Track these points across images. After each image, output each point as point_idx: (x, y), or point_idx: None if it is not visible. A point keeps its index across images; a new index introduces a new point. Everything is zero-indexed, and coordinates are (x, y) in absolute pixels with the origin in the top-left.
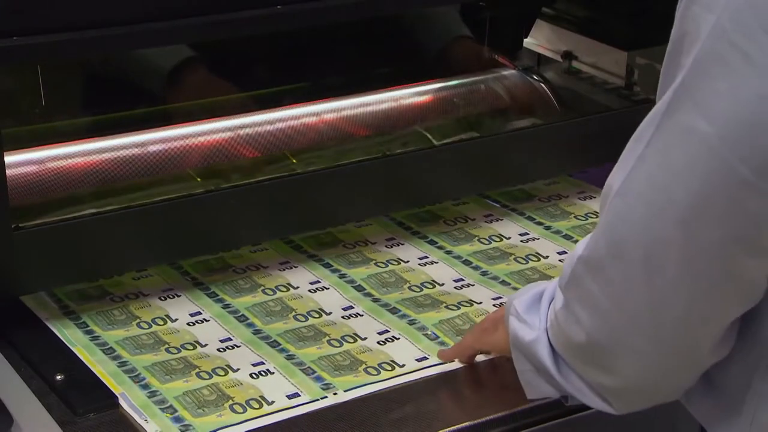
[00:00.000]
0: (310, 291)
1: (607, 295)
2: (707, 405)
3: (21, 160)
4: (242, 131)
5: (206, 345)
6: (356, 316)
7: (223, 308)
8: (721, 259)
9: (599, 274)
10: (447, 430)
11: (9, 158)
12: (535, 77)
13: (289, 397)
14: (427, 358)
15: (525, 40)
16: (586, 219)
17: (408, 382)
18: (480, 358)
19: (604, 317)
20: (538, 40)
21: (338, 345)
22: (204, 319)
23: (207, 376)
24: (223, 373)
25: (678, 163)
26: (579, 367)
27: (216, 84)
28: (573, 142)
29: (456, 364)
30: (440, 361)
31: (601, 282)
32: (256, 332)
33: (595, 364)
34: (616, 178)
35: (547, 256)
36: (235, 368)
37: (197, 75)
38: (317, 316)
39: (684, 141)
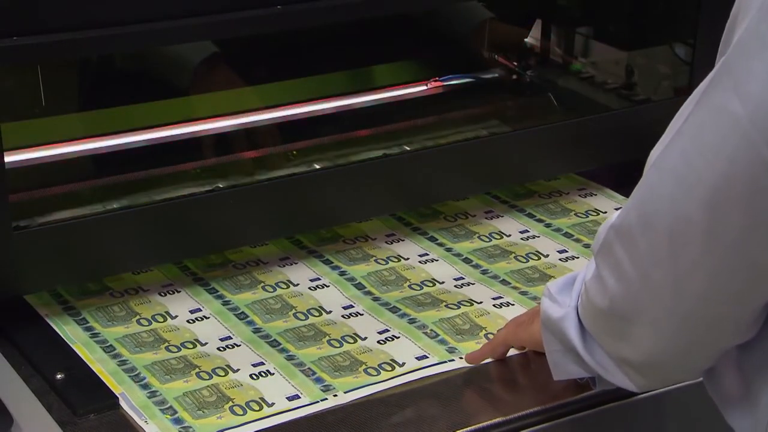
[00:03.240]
0: (310, 288)
1: (634, 263)
2: (727, 387)
3: (21, 159)
4: (242, 131)
5: (206, 344)
6: (356, 316)
7: (223, 305)
8: (742, 245)
9: (628, 243)
10: None
11: (9, 158)
12: (535, 77)
13: (289, 398)
14: (427, 357)
15: (525, 40)
16: (587, 216)
17: (408, 382)
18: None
19: (628, 285)
20: (538, 40)
21: (338, 345)
22: (204, 316)
23: (207, 377)
24: (223, 373)
25: (709, 142)
26: (603, 338)
27: (222, 81)
28: (573, 142)
29: (455, 365)
30: (439, 360)
31: (629, 250)
32: (256, 331)
33: (618, 334)
34: (656, 149)
35: (548, 255)
36: (235, 368)
37: (206, 73)
38: (317, 314)
39: (717, 120)
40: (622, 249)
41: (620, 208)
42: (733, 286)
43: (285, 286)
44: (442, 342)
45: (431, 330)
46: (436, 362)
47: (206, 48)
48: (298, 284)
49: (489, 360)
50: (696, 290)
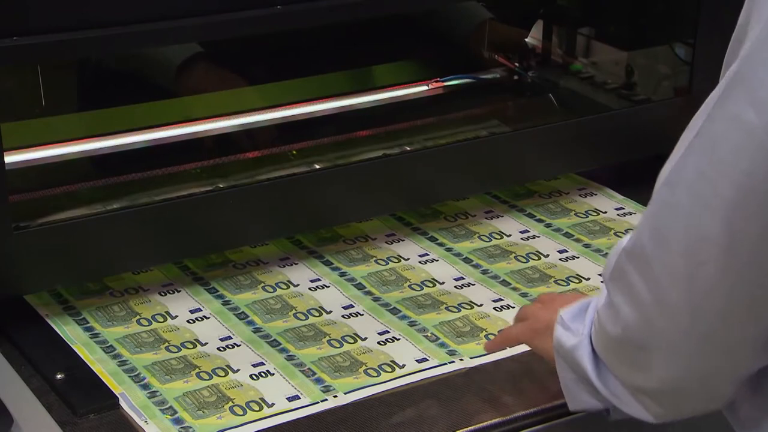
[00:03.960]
0: (310, 289)
1: (648, 286)
2: (745, 410)
3: (21, 160)
4: (243, 130)
5: (206, 344)
6: (356, 316)
7: (223, 305)
8: (761, 258)
9: (641, 265)
10: None
11: (9, 158)
12: (535, 77)
13: (289, 399)
14: (428, 360)
15: (525, 39)
16: (587, 216)
17: (408, 384)
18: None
19: (643, 310)
20: (538, 40)
21: (338, 345)
22: (204, 316)
23: (207, 377)
24: (223, 373)
25: (724, 154)
26: (617, 367)
27: (220, 80)
28: (573, 142)
29: (456, 367)
30: (439, 363)
31: (643, 272)
32: (257, 330)
33: (632, 362)
34: (666, 167)
35: (548, 255)
36: (235, 369)
37: (201, 71)
38: (317, 314)
39: (731, 131)
40: (636, 272)
41: (620, 207)
42: (750, 303)
43: (285, 287)
44: (443, 345)
45: (432, 333)
46: (437, 365)
47: (189, 48)
48: (298, 284)
49: (489, 360)
50: (713, 310)
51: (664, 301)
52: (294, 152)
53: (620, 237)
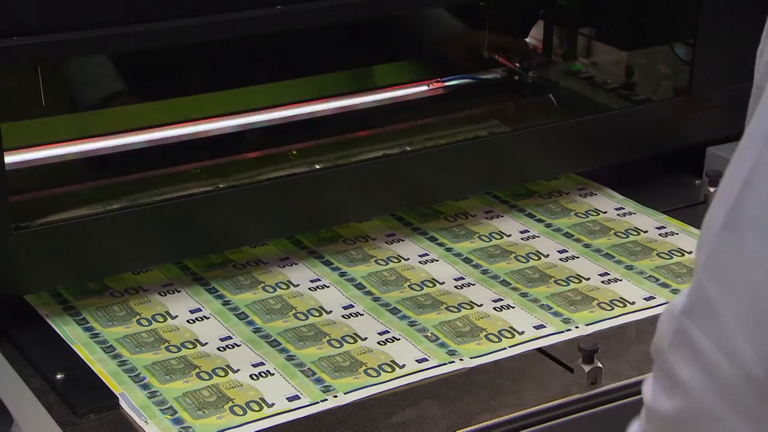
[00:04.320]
0: (310, 289)
1: (718, 343)
2: None
3: (21, 160)
4: (243, 130)
5: (206, 344)
6: (356, 316)
7: (223, 305)
8: None
9: (706, 318)
10: None
11: (9, 158)
12: (535, 77)
13: (289, 399)
14: (428, 360)
15: (525, 40)
16: (587, 216)
17: (408, 384)
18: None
19: (711, 370)
20: (538, 40)
21: (338, 345)
22: (204, 316)
23: (207, 377)
24: (223, 373)
25: None
26: None
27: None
28: (573, 142)
29: (456, 367)
30: (439, 363)
31: (708, 327)
32: (257, 330)
33: None
34: (716, 213)
35: (548, 255)
36: (235, 369)
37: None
38: (317, 314)
39: None
40: (701, 331)
41: (620, 207)
42: None
43: (285, 287)
44: (443, 345)
45: (432, 333)
46: (437, 364)
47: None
48: (298, 285)
49: (489, 360)
50: None
51: (734, 358)
52: (294, 152)
53: (620, 237)
